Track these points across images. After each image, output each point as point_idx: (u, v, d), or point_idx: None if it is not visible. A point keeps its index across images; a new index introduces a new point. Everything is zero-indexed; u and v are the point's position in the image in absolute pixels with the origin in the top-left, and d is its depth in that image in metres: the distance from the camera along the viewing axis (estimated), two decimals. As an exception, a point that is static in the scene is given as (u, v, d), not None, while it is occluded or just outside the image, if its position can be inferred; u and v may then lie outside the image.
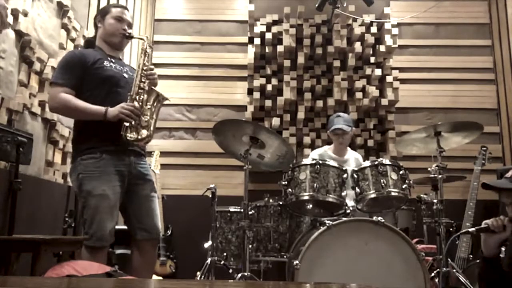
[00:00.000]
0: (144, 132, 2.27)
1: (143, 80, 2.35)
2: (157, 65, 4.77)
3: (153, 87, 2.37)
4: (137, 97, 2.31)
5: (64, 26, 3.23)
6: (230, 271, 3.11)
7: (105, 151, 2.26)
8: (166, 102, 2.44)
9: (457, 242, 3.68)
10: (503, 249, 1.94)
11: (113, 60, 2.43)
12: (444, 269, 2.62)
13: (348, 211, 2.74)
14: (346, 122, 3.44)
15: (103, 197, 2.22)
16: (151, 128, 2.30)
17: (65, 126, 3.26)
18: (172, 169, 4.64)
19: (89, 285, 1.27)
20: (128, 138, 2.25)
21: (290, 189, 2.70)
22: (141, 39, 2.51)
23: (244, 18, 4.94)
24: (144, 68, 2.37)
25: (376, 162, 2.72)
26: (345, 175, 2.69)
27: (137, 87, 2.33)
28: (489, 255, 1.92)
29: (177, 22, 5.02)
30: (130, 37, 2.47)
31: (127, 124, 2.24)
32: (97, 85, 2.32)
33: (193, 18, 5.03)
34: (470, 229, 2.02)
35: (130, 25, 2.50)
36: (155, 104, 2.35)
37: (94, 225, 2.21)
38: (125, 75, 2.41)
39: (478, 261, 1.99)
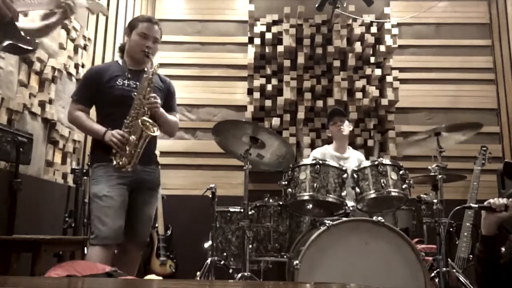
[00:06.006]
0: (125, 161, 2.35)
1: (138, 107, 2.39)
2: (157, 65, 4.79)
3: (143, 119, 2.37)
4: (131, 125, 2.38)
5: (64, 26, 3.23)
6: (230, 271, 3.11)
7: (113, 159, 2.37)
8: (155, 133, 2.42)
9: (457, 242, 3.68)
10: (503, 249, 1.95)
11: (130, 76, 2.50)
12: (444, 269, 2.62)
13: (348, 211, 2.74)
14: (342, 113, 3.59)
15: (108, 198, 2.33)
16: (133, 160, 2.36)
17: (65, 126, 3.26)
18: (172, 169, 4.64)
19: (89, 285, 1.27)
20: (112, 162, 2.35)
21: (290, 189, 2.70)
22: (152, 63, 2.48)
23: (244, 18, 4.94)
24: (146, 96, 2.40)
25: (376, 162, 2.72)
26: (345, 175, 2.69)
27: (131, 116, 2.38)
28: (487, 233, 1.97)
29: (177, 22, 5.02)
30: (148, 56, 2.48)
31: (114, 151, 2.36)
32: (106, 103, 2.46)
33: (193, 18, 5.03)
34: (473, 205, 2.07)
35: (156, 41, 2.54)
36: (140, 138, 2.37)
37: (99, 225, 2.30)
38: (134, 94, 2.45)
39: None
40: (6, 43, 1.63)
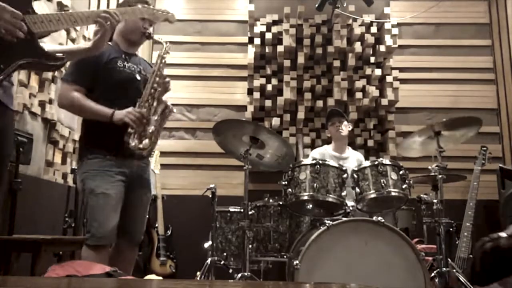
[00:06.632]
0: (146, 142, 2.21)
1: (155, 87, 2.30)
2: (157, 65, 4.80)
3: (162, 99, 2.31)
4: (146, 104, 2.26)
5: (64, 26, 3.23)
6: (230, 271, 3.11)
7: (111, 152, 2.24)
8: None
9: (457, 242, 3.68)
10: (503, 234, 1.94)
11: (128, 58, 2.38)
12: (444, 269, 2.62)
13: (348, 211, 2.74)
14: (340, 113, 3.59)
15: (106, 195, 2.19)
16: (154, 140, 2.24)
17: (65, 126, 3.26)
18: (172, 169, 4.64)
19: (89, 285, 1.27)
20: (130, 145, 2.19)
21: (290, 189, 2.70)
22: (160, 43, 2.43)
23: (244, 18, 4.94)
24: (159, 75, 2.33)
25: (376, 162, 2.72)
26: (345, 175, 2.69)
27: (148, 95, 2.28)
28: None
29: (177, 22, 4.99)
30: (150, 37, 2.41)
31: (131, 130, 2.19)
32: (108, 86, 2.28)
33: (193, 18, 5.03)
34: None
35: (151, 24, 2.45)
36: (162, 115, 2.29)
37: (95, 224, 2.18)
38: (137, 76, 2.36)
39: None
40: (23, 61, 1.64)
